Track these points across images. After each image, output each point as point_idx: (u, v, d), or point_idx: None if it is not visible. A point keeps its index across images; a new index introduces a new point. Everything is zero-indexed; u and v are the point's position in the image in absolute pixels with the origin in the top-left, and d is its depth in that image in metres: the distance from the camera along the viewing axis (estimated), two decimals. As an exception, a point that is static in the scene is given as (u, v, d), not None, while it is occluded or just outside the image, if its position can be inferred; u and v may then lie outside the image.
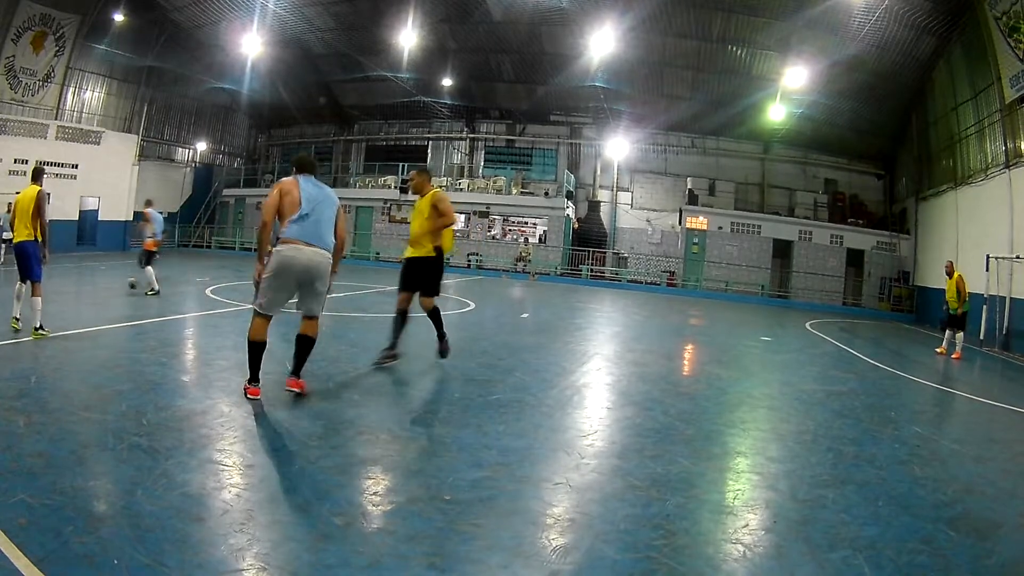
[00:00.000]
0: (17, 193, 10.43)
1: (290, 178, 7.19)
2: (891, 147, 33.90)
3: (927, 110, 28.74)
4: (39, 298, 9.77)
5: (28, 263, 9.88)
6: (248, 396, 6.83)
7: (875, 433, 7.74)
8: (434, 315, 9.29)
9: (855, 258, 33.45)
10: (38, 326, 9.52)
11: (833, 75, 28.53)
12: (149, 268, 15.83)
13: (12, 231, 10.26)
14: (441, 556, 3.87)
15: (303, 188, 7.00)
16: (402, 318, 9.06)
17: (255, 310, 6.97)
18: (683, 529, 4.46)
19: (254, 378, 6.94)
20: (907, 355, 17.27)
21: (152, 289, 15.60)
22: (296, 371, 7.22)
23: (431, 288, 9.15)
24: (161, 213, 22.33)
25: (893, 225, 33.61)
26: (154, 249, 16.28)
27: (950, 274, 17.05)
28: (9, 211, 16.50)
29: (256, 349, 6.95)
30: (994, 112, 22.17)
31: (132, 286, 16.12)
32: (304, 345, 7.22)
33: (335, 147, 45.98)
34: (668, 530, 4.39)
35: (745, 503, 5.15)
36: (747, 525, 4.65)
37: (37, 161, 26.21)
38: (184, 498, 4.37)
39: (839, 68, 28.10)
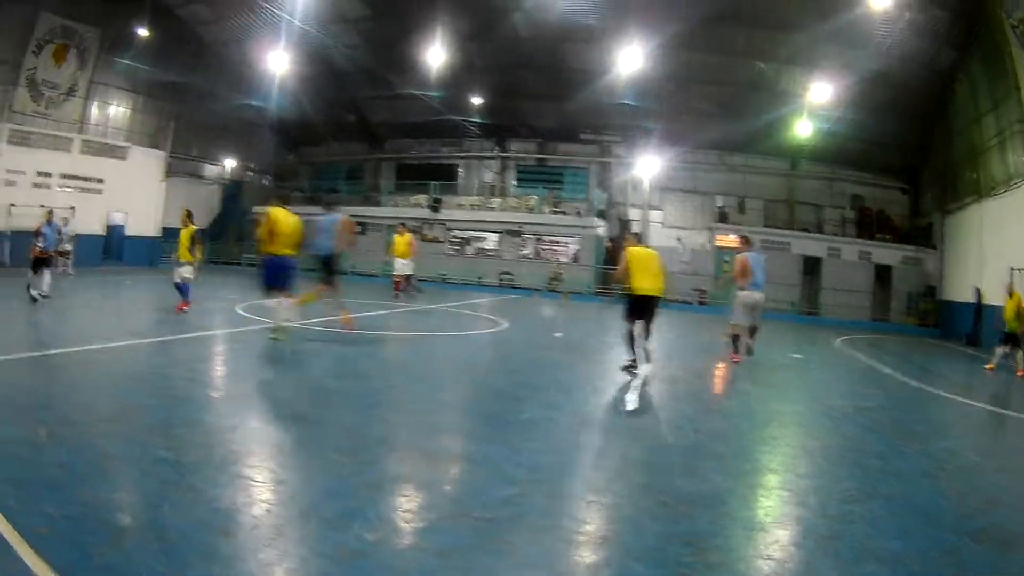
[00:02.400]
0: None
1: (745, 255, 13.58)
2: (915, 161, 33.43)
3: (949, 122, 28.33)
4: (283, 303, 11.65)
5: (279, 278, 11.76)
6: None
7: (901, 447, 7.71)
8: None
9: (883, 273, 33.01)
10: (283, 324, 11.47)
11: (857, 90, 28.35)
12: (34, 275, 15.72)
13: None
14: (471, 572, 3.86)
15: (753, 261, 13.41)
16: (632, 338, 11.47)
17: (737, 324, 13.65)
18: (714, 546, 4.46)
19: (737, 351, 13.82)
20: (933, 369, 17.11)
21: (36, 295, 15.30)
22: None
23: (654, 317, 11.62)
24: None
25: (919, 239, 33.13)
26: (41, 257, 16.01)
27: (1011, 294, 16.89)
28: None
29: (736, 339, 13.82)
30: (1014, 122, 21.78)
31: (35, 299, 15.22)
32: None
33: (365, 165, 45.79)
34: (699, 547, 4.38)
35: (775, 519, 5.16)
36: (777, 541, 4.66)
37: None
38: (212, 512, 4.35)
39: (863, 83, 27.95)
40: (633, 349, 11.34)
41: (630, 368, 11.15)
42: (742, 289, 13.42)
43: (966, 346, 23.72)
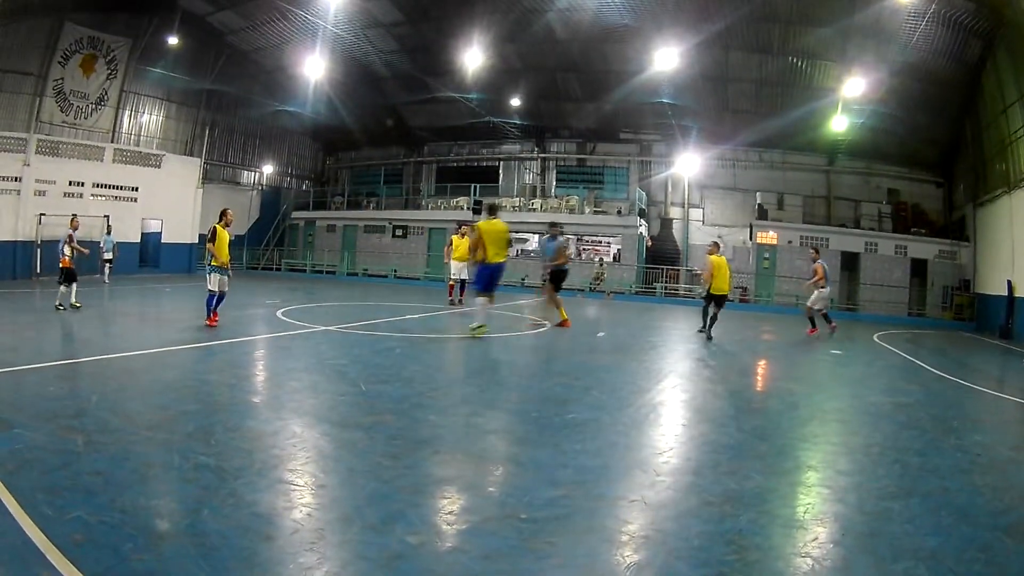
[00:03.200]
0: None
1: (821, 262, 19.68)
2: (948, 154, 32.68)
3: (979, 114, 27.67)
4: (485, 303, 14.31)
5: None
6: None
7: (939, 443, 7.65)
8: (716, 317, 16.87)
9: (919, 268, 32.21)
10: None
11: (890, 83, 27.98)
12: (63, 287, 15.87)
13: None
14: (515, 574, 3.86)
15: (827, 267, 19.40)
16: (707, 315, 16.70)
17: (814, 309, 19.65)
18: (755, 544, 4.47)
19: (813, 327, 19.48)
20: (969, 364, 16.79)
21: (71, 304, 15.83)
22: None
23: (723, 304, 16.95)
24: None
25: (953, 233, 32.37)
26: (69, 267, 16.10)
27: None
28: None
29: (812, 320, 19.55)
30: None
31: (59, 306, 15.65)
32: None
33: (404, 169, 45.45)
34: (740, 545, 4.40)
35: (815, 517, 5.12)
36: (816, 539, 4.64)
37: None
38: (253, 517, 4.35)
39: (895, 76, 27.60)
40: (704, 321, 16.71)
41: (701, 331, 16.89)
42: (821, 288, 19.44)
43: (999, 339, 23.29)
